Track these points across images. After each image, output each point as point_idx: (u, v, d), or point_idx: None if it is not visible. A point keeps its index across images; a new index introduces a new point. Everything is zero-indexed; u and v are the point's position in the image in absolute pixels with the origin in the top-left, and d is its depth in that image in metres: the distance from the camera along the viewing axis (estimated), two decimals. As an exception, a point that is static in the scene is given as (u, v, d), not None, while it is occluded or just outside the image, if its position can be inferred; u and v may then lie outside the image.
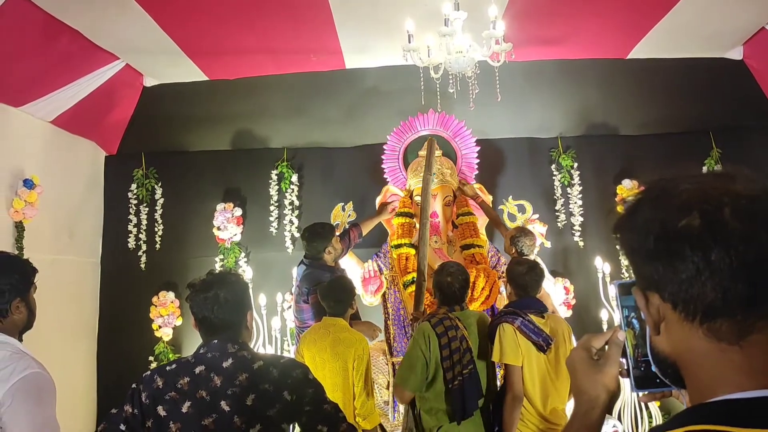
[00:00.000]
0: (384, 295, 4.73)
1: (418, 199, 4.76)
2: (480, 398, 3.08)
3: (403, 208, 4.79)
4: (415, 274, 4.51)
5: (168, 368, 1.87)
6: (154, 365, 5.22)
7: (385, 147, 5.06)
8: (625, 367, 0.99)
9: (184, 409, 1.77)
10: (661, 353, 0.85)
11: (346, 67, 5.17)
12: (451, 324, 3.03)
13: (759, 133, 5.27)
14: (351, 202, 5.13)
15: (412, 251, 4.65)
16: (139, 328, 5.30)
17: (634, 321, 0.99)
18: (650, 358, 0.89)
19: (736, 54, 5.05)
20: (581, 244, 5.26)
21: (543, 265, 3.47)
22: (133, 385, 1.86)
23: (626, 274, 5.16)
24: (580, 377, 1.00)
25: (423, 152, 4.91)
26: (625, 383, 1.02)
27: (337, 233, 4.28)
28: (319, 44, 4.63)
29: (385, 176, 5.06)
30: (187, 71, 5.05)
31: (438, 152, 4.91)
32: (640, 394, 0.99)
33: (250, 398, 1.78)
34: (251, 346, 1.99)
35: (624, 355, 0.99)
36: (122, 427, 1.80)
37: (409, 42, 3.37)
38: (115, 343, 5.30)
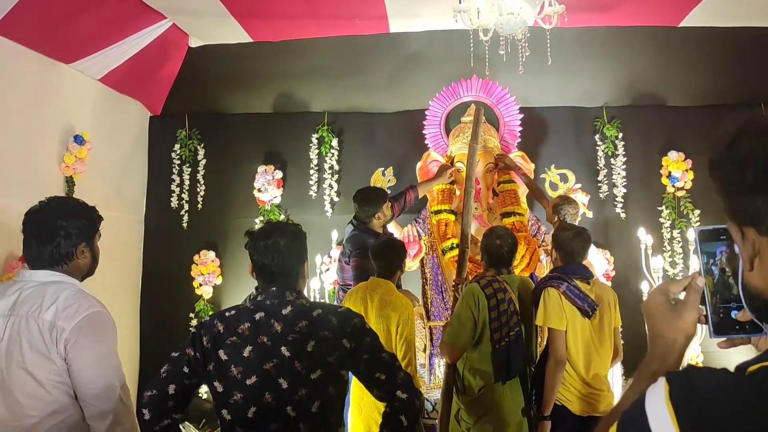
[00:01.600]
0: (422, 260, 4.76)
1: (459, 165, 4.75)
2: (524, 360, 3.10)
3: (444, 174, 4.78)
4: (454, 240, 4.52)
5: (227, 314, 1.91)
6: (194, 322, 5.35)
7: (426, 113, 5.04)
8: (704, 314, 0.99)
9: (246, 354, 1.81)
10: (754, 289, 0.85)
11: (390, 31, 5.12)
12: (500, 286, 3.04)
13: (814, 106, 5.12)
14: (391, 167, 5.13)
15: (452, 217, 4.65)
16: (180, 285, 5.43)
17: (714, 268, 0.99)
18: (741, 294, 0.89)
19: (793, 23, 4.87)
20: (623, 215, 5.20)
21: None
22: (193, 330, 1.91)
23: (668, 247, 5.10)
24: (658, 321, 1.00)
25: (465, 118, 4.89)
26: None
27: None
28: (365, 8, 4.60)
29: (426, 142, 5.05)
30: (232, 32, 5.05)
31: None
32: (719, 340, 0.99)
33: (311, 344, 1.81)
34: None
35: (702, 301, 0.99)
36: (185, 369, 1.85)
37: (460, 2, 3.32)
38: (158, 299, 5.43)
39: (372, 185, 4.69)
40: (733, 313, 0.95)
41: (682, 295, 1.03)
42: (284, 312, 1.86)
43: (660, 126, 5.31)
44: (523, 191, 4.79)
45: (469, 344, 3.06)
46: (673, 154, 5.16)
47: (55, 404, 1.91)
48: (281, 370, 1.80)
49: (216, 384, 1.83)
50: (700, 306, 1.00)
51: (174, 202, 5.54)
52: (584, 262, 3.23)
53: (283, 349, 1.81)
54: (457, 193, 4.76)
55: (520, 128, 4.99)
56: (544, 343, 3.29)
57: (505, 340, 3.01)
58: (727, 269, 0.96)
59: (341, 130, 5.54)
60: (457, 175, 4.74)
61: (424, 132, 5.04)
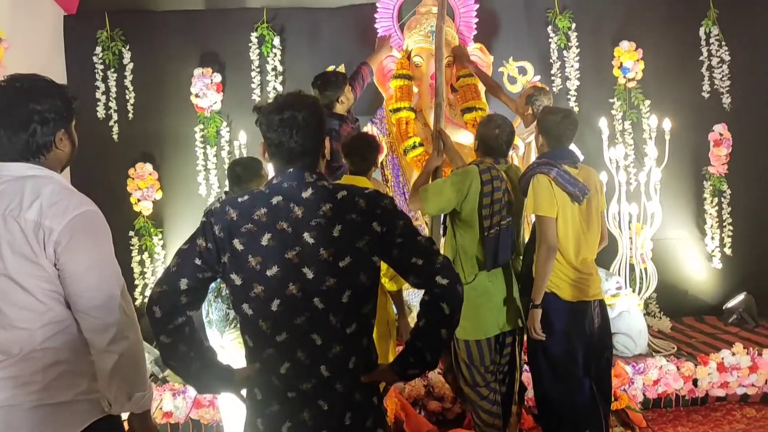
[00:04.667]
0: (382, 162, 4.57)
1: (417, 60, 4.53)
2: (513, 251, 3.03)
3: (400, 69, 4.56)
4: (416, 139, 4.37)
5: (240, 200, 1.67)
6: (135, 241, 5.00)
7: (378, 4, 4.72)
8: None
9: (264, 242, 1.60)
10: None
11: None
12: (497, 174, 2.92)
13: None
14: (343, 65, 4.82)
15: (412, 115, 4.47)
16: (116, 202, 4.99)
17: None
18: None
19: None
20: (577, 108, 5.13)
21: None
22: (203, 218, 1.68)
23: (620, 138, 5.10)
24: None
25: (422, 9, 4.63)
26: None
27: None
28: None
29: (378, 37, 4.75)
30: None
31: (437, 9, 4.61)
32: None
33: (337, 229, 1.62)
34: None
35: None
36: (197, 261, 1.62)
37: None
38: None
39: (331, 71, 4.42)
40: None
41: None
42: (305, 195, 1.64)
43: (613, 15, 5.22)
44: (482, 86, 4.62)
45: (433, 213, 3.10)
46: (624, 44, 5.11)
47: (49, 314, 1.65)
48: (305, 259, 1.60)
49: (233, 276, 1.62)
50: None
51: (101, 112, 5.02)
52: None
53: (306, 235, 1.61)
54: (416, 90, 4.54)
55: (477, 20, 4.77)
56: (527, 235, 3.24)
57: (496, 228, 2.93)
58: None
59: (282, 28, 5.12)
60: (415, 71, 4.52)
61: (375, 26, 4.74)
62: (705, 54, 5.17)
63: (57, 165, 1.76)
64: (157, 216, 5.09)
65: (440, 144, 3.45)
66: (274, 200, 1.64)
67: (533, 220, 3.16)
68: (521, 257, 3.15)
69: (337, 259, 1.61)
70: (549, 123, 2.98)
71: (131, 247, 5.01)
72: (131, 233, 5.03)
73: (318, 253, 1.60)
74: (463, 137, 4.33)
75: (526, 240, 3.20)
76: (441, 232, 3.21)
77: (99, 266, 1.67)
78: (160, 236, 5.06)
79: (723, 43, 5.13)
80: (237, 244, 1.60)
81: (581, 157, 3.55)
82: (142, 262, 5.04)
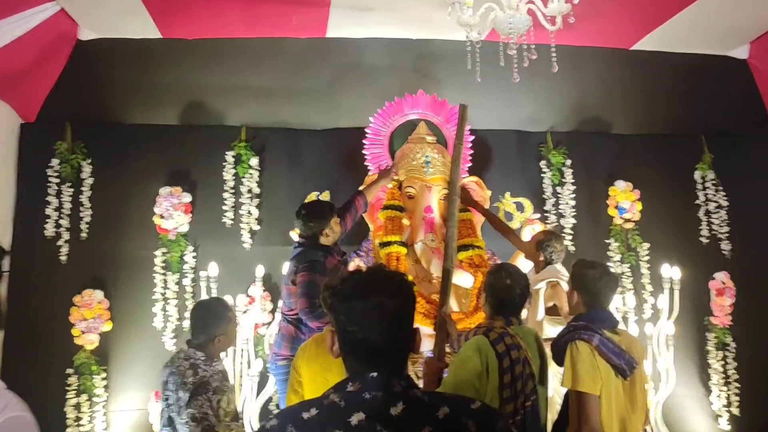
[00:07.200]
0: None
1: (409, 190, 4.17)
2: (541, 436, 2.50)
3: (391, 200, 4.18)
4: (408, 277, 3.90)
5: (305, 415, 1.21)
6: (72, 380, 4.28)
7: (367, 130, 4.41)
8: None
9: None
10: None
11: (326, 35, 4.44)
12: (513, 342, 2.41)
13: (753, 140, 5.04)
14: (328, 191, 4.46)
15: (403, 250, 4.04)
16: (55, 333, 4.35)
17: None
18: None
19: (741, 53, 4.76)
20: (572, 248, 4.80)
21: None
22: None
23: (624, 284, 4.75)
24: None
25: (415, 137, 4.35)
26: None
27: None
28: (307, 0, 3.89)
29: (366, 164, 4.41)
30: (137, 23, 4.11)
31: (431, 138, 4.35)
32: None
33: None
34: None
35: None
36: None
37: (454, -11, 2.72)
38: (24, 352, 4.24)
39: (318, 200, 4.06)
40: None
41: None
42: (394, 412, 1.19)
43: (605, 154, 5.04)
44: (478, 220, 4.27)
45: None
46: (620, 184, 4.90)
47: None
48: None
49: None
50: None
51: (49, 230, 4.45)
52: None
53: None
54: (406, 222, 4.14)
55: (471, 151, 4.49)
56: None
57: (521, 413, 2.39)
58: None
59: (262, 148, 4.76)
60: (407, 202, 4.15)
61: (364, 152, 4.40)
62: (702, 198, 4.99)
63: None
64: (102, 351, 4.41)
65: (444, 345, 2.99)
66: (354, 419, 1.18)
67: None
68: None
69: None
70: (587, 279, 2.55)
71: (67, 388, 4.28)
72: (69, 371, 4.32)
73: None
74: (460, 279, 3.90)
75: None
76: None
77: None
78: (103, 375, 4.36)
79: (719, 188, 4.97)
80: None
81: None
82: (78, 406, 4.29)
